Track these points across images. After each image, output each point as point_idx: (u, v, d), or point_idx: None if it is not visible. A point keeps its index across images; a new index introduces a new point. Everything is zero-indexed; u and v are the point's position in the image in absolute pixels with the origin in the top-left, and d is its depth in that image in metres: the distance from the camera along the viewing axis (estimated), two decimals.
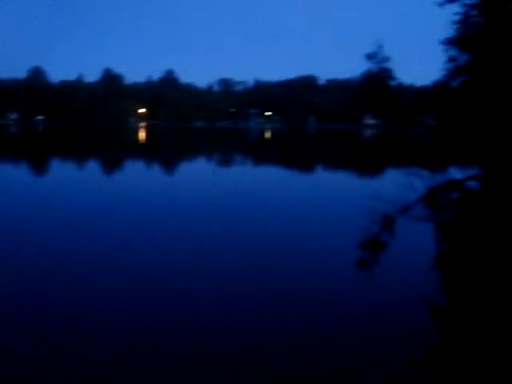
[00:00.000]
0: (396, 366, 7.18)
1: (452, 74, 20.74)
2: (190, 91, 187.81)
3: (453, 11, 19.87)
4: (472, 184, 19.68)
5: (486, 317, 9.01)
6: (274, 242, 14.22)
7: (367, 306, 9.43)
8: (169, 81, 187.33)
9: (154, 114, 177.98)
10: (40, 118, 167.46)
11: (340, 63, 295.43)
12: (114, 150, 57.80)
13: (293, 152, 60.67)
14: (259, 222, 16.83)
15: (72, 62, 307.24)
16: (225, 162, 45.92)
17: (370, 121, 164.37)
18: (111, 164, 40.15)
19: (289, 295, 9.87)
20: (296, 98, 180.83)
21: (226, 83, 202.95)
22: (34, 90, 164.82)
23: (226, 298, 9.62)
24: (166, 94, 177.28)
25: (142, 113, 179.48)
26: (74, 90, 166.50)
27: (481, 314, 9.17)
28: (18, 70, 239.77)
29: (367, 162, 47.13)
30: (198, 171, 35.18)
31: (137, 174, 32.72)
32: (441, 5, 19.85)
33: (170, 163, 42.13)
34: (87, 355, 7.25)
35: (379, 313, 9.08)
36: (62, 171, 34.14)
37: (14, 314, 8.72)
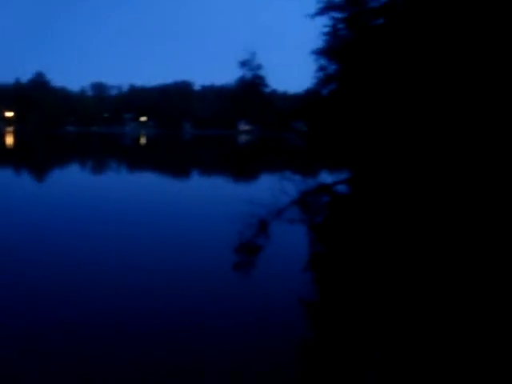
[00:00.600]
0: (272, 363, 7.38)
1: (322, 82, 21.63)
2: (62, 95, 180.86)
3: (322, 23, 20.80)
4: (342, 188, 20.60)
5: (357, 313, 9.49)
6: (150, 248, 14.10)
7: (244, 307, 9.62)
8: (39, 83, 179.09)
9: (23, 117, 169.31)
10: None
11: (216, 70, 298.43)
12: None
13: (168, 158, 60.31)
14: (133, 230, 16.59)
15: None
16: (98, 168, 44.72)
17: (244, 127, 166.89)
18: None
19: (164, 304, 9.83)
20: (172, 103, 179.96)
21: (99, 87, 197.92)
22: None
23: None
24: (36, 98, 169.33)
25: (9, 116, 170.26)
26: None
27: (351, 311, 9.64)
28: None
29: (242, 167, 47.80)
30: (70, 179, 34.01)
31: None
32: (311, 17, 20.70)
33: (39, 170, 40.32)
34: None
35: (256, 313, 9.29)
36: None
37: None
